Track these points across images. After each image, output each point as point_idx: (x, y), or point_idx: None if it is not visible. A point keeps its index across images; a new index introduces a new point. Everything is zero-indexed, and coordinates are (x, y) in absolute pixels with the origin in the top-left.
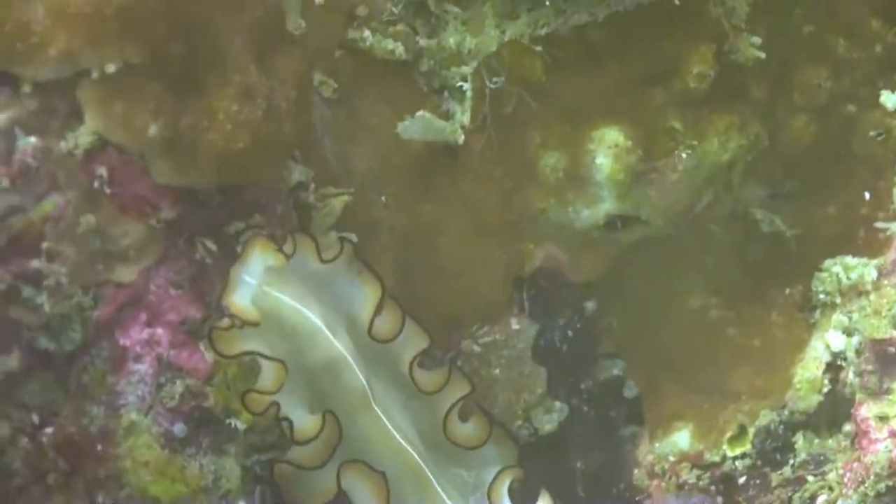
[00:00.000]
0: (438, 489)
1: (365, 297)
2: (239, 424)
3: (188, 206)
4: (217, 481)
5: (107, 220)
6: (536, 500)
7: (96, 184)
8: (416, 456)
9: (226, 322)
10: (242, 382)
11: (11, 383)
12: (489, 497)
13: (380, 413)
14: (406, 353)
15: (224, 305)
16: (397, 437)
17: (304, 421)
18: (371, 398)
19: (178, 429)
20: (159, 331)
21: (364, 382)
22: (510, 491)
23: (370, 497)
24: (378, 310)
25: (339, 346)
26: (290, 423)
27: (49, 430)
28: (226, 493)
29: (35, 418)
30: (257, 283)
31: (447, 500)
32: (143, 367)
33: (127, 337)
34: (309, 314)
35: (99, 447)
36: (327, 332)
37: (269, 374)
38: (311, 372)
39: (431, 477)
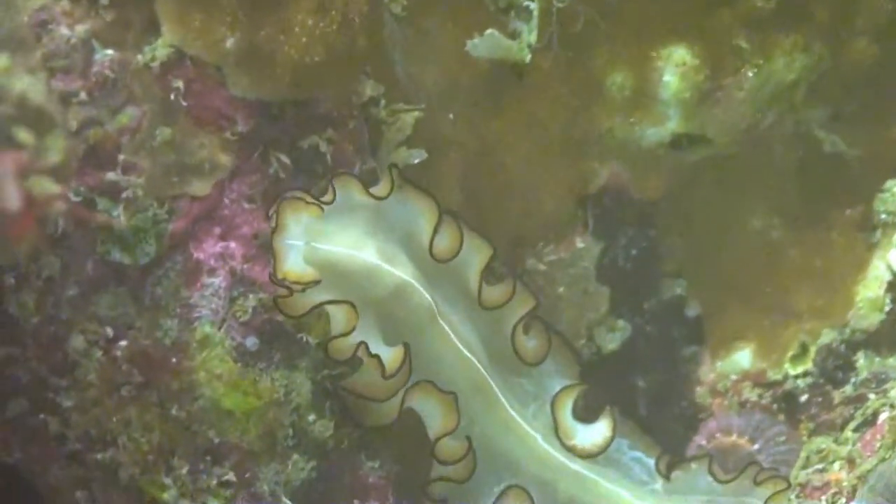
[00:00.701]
0: (502, 398)
1: (421, 219)
2: (310, 339)
3: (262, 119)
4: (288, 395)
5: (182, 132)
6: (599, 416)
7: (172, 96)
8: (480, 367)
9: (286, 291)
10: None
11: (84, 297)
12: (553, 412)
13: (445, 327)
14: (470, 268)
15: (280, 278)
16: (462, 349)
17: (384, 355)
18: (437, 314)
19: (251, 342)
20: (233, 244)
21: (430, 299)
22: (573, 407)
23: (439, 415)
24: (436, 229)
25: (399, 273)
26: (379, 358)
27: (123, 343)
28: (296, 406)
29: (109, 331)
30: (303, 243)
31: (510, 409)
32: (217, 281)
33: (201, 250)
34: (362, 256)
35: (172, 360)
36: (385, 265)
37: (340, 319)
38: (379, 304)
39: (495, 387)
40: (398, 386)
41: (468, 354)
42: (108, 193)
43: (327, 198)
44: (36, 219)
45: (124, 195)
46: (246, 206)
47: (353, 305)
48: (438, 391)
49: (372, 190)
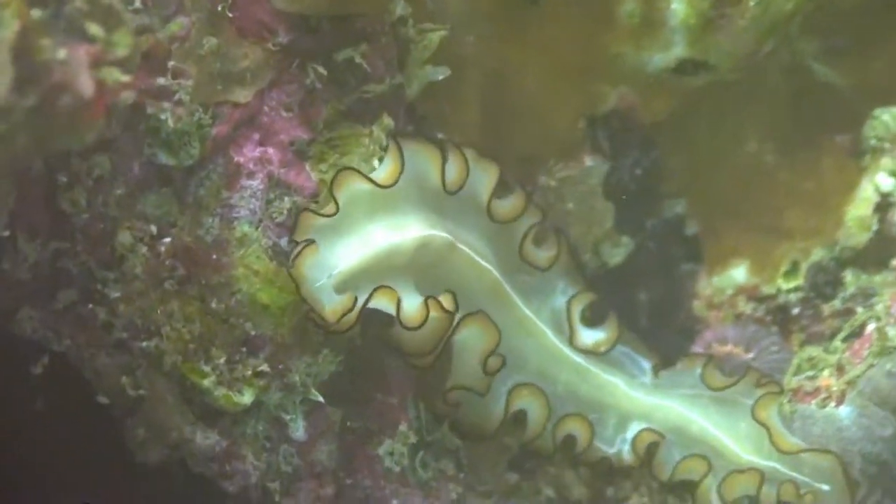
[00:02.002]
0: (516, 299)
1: (428, 165)
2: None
3: (301, 32)
4: None
5: (227, 42)
6: (604, 322)
7: (219, 7)
8: (495, 272)
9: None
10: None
11: (131, 196)
12: (567, 311)
13: (464, 248)
14: (482, 189)
15: (330, 323)
16: (479, 260)
17: (415, 305)
18: (454, 243)
19: (286, 242)
20: (270, 150)
21: (446, 237)
22: (582, 313)
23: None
24: (443, 170)
25: (412, 236)
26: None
27: (167, 239)
28: None
29: (154, 229)
30: (327, 278)
31: (523, 308)
32: (255, 184)
33: (241, 154)
34: (374, 249)
35: (213, 256)
36: (397, 239)
37: (385, 302)
38: (407, 266)
39: (509, 290)
40: (448, 328)
41: (485, 264)
42: (157, 98)
43: (329, 209)
44: (106, 106)
45: (172, 99)
46: (284, 114)
47: (388, 288)
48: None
49: (378, 177)
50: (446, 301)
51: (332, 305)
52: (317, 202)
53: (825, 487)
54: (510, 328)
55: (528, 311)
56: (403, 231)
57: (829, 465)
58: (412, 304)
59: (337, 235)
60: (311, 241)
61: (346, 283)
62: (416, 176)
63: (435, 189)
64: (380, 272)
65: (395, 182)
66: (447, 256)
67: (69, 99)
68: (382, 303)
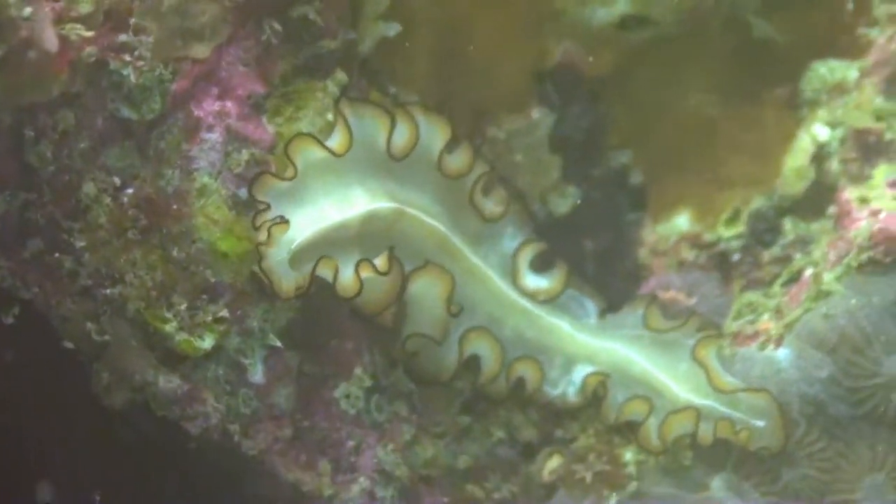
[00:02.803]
0: (464, 250)
1: (378, 130)
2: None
3: None
4: None
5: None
6: (552, 268)
7: None
8: (442, 228)
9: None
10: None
11: (95, 149)
12: (514, 259)
13: (411, 211)
14: (434, 147)
15: (286, 297)
16: (426, 219)
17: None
18: (402, 210)
19: (244, 193)
20: (229, 104)
21: (392, 206)
22: (531, 261)
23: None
24: (390, 135)
25: (357, 212)
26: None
27: (129, 190)
28: None
29: (117, 180)
30: (286, 253)
31: (471, 257)
32: (214, 136)
33: (200, 108)
34: (323, 225)
35: (174, 206)
36: (346, 215)
37: (327, 272)
38: (357, 237)
39: (457, 242)
40: (398, 284)
41: (432, 222)
42: (119, 54)
43: (289, 174)
44: (70, 61)
45: (134, 55)
46: (241, 69)
47: (329, 259)
48: (427, 270)
49: (330, 144)
50: (380, 262)
51: (287, 282)
52: (274, 154)
53: (760, 424)
54: (459, 278)
55: (476, 260)
56: (352, 204)
57: (764, 403)
58: (348, 274)
59: (293, 204)
60: (283, 219)
61: (299, 256)
62: (365, 142)
63: (384, 154)
64: (329, 244)
65: (347, 151)
66: (396, 222)
67: (34, 54)
68: (324, 272)
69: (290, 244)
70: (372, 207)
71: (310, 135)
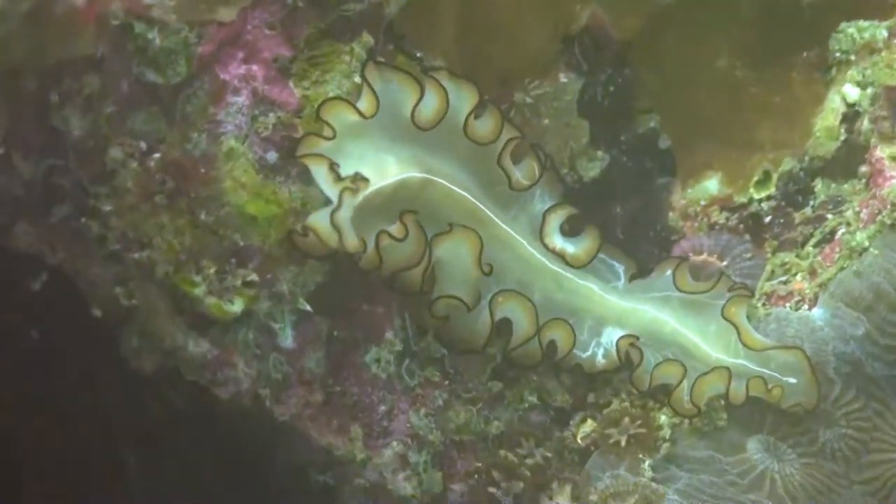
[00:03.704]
0: (492, 216)
1: (406, 97)
2: None
3: None
4: (304, 206)
5: None
6: (583, 232)
7: None
8: (469, 196)
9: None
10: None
11: (121, 114)
12: (542, 229)
13: (438, 181)
14: (461, 113)
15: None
16: (454, 188)
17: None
18: (430, 179)
19: (271, 156)
20: (255, 67)
21: (420, 176)
22: (561, 226)
23: (467, 250)
24: (418, 103)
25: (389, 182)
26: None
27: (156, 155)
28: None
29: (143, 145)
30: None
31: (500, 223)
32: (241, 100)
33: (226, 72)
34: (371, 191)
35: (201, 170)
36: (387, 183)
37: (351, 242)
38: (386, 205)
39: (485, 209)
40: (420, 247)
41: (459, 192)
42: (145, 17)
43: (327, 133)
44: (96, 14)
45: (159, 17)
46: (267, 32)
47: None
48: (452, 233)
49: (360, 105)
50: (395, 229)
51: (353, 237)
52: (300, 118)
53: (792, 380)
54: (487, 244)
55: (504, 226)
56: (385, 172)
57: (796, 360)
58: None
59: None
60: (362, 176)
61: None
62: (393, 108)
63: (408, 121)
64: (366, 211)
65: (375, 113)
66: (422, 190)
67: (62, 7)
68: (350, 242)
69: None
70: (404, 176)
71: (341, 97)
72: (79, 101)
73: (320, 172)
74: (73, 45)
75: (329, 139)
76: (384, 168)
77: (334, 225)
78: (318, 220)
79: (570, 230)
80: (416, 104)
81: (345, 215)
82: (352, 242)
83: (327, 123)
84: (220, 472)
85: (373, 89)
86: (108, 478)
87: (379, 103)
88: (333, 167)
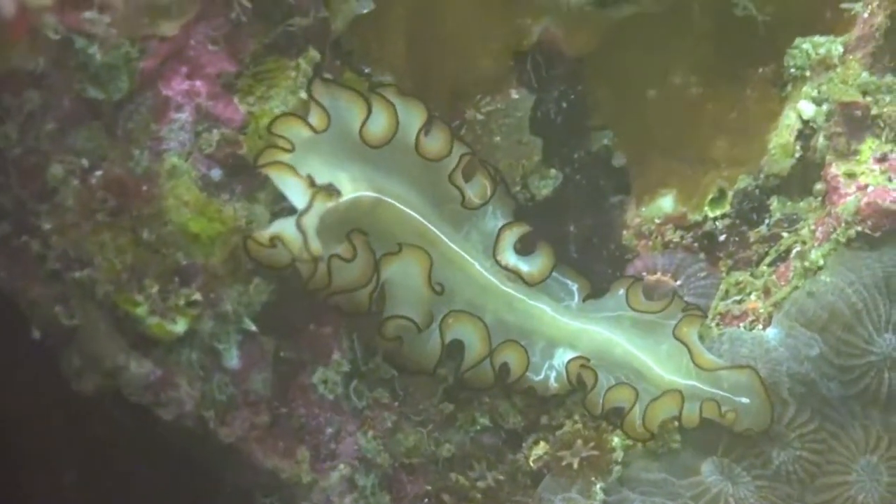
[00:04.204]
0: (443, 237)
1: (355, 115)
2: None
3: None
4: (249, 224)
5: None
6: (536, 250)
7: None
8: (419, 217)
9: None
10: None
11: (62, 130)
12: (495, 246)
13: (389, 200)
14: (411, 131)
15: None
16: (403, 209)
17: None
18: (380, 199)
19: (215, 173)
20: (198, 83)
21: (372, 195)
22: (514, 244)
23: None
24: (366, 121)
25: (345, 200)
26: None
27: (98, 172)
28: None
29: (85, 162)
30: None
31: (451, 244)
32: (184, 116)
33: (169, 88)
34: (338, 204)
35: (144, 188)
36: (338, 205)
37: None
38: (338, 224)
39: (435, 230)
40: (369, 267)
41: (409, 211)
42: (85, 32)
43: (284, 145)
44: (28, 27)
45: (99, 33)
46: (210, 47)
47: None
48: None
49: (310, 121)
50: (343, 249)
51: (316, 244)
52: (244, 134)
53: (745, 400)
54: (438, 265)
55: (455, 247)
56: (339, 183)
57: (748, 380)
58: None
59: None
60: (334, 188)
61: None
62: (341, 126)
63: (356, 138)
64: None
65: (326, 128)
66: (374, 210)
67: None
68: (301, 267)
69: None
70: (356, 195)
71: (292, 113)
72: (19, 118)
73: (287, 180)
74: (5, 58)
75: (288, 151)
76: (337, 185)
77: (300, 228)
78: (282, 227)
79: (523, 248)
80: (364, 122)
81: (311, 221)
82: (315, 248)
83: (283, 137)
84: (163, 494)
85: (321, 104)
86: (48, 499)
87: (329, 118)
88: (304, 175)
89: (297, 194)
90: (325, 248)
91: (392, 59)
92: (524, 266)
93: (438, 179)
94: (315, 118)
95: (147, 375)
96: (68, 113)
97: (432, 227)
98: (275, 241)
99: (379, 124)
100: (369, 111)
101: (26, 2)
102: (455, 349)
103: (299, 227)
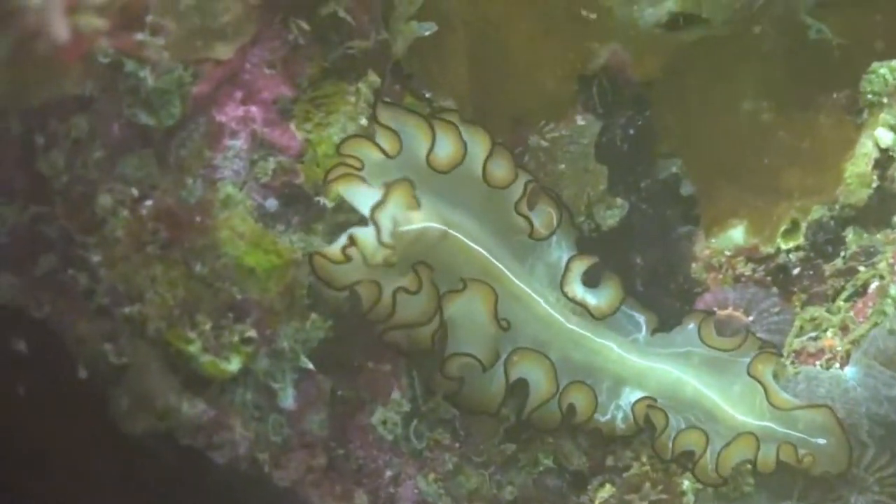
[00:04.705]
0: (508, 273)
1: (420, 142)
2: (327, 203)
3: None
4: (306, 256)
5: None
6: (603, 282)
7: None
8: (485, 253)
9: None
10: (332, 160)
11: (111, 158)
12: (563, 277)
13: (456, 234)
14: (476, 159)
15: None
16: (470, 244)
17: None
18: (447, 232)
19: (271, 204)
20: (253, 108)
21: (439, 228)
22: (582, 275)
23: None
24: (431, 147)
25: (414, 228)
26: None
27: (149, 202)
28: None
29: (134, 191)
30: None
31: (516, 281)
32: (239, 143)
33: (223, 113)
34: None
35: (197, 218)
36: (407, 232)
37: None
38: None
39: (501, 266)
40: (433, 303)
41: (475, 247)
42: (136, 55)
43: (356, 165)
44: (82, 52)
45: (151, 56)
46: (267, 71)
47: (371, 282)
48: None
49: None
50: (408, 281)
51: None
52: (302, 162)
53: (821, 441)
54: (502, 301)
55: (520, 283)
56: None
57: (824, 420)
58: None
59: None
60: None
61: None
62: (407, 152)
63: (425, 166)
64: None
65: (399, 152)
66: (441, 243)
67: (44, 45)
68: (364, 294)
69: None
70: (426, 225)
71: (362, 135)
72: (66, 145)
73: (359, 189)
74: (59, 85)
75: (359, 169)
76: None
77: (374, 219)
78: (353, 231)
79: (589, 281)
80: (431, 148)
81: (387, 213)
82: (389, 242)
83: (352, 156)
84: None
85: (390, 128)
86: None
87: (400, 142)
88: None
89: (369, 204)
90: (387, 275)
91: (454, 84)
92: (592, 299)
93: (503, 209)
94: (385, 142)
95: (199, 416)
96: (118, 140)
97: (497, 263)
98: (348, 254)
99: (446, 150)
100: (434, 137)
101: (80, 25)
102: (518, 388)
103: (373, 218)
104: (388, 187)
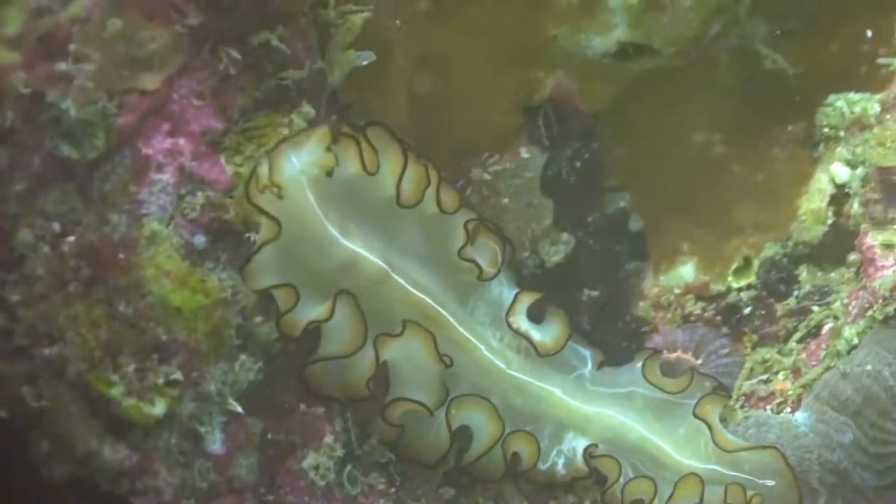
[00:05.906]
0: (451, 320)
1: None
2: (258, 239)
3: (213, 13)
4: (235, 295)
5: (133, 24)
6: (548, 318)
7: None
8: (429, 300)
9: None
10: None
11: (32, 192)
12: (510, 310)
13: (397, 279)
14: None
15: (263, 168)
16: (413, 291)
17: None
18: (388, 273)
19: (199, 240)
20: (181, 141)
21: (379, 264)
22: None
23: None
24: (400, 180)
25: (349, 246)
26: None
27: (71, 238)
28: (243, 307)
29: (56, 227)
30: (300, 168)
31: (459, 328)
32: (165, 177)
33: (149, 146)
34: (326, 222)
35: (121, 255)
36: (341, 239)
37: (282, 298)
38: (327, 275)
39: (444, 312)
40: (359, 335)
41: (416, 292)
42: (58, 85)
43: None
44: None
45: (74, 85)
46: (195, 102)
47: (293, 287)
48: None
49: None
50: (323, 311)
51: (278, 172)
52: (232, 197)
53: (769, 483)
54: (443, 349)
55: (461, 329)
56: (346, 235)
57: (771, 461)
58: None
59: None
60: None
61: (293, 202)
62: (349, 178)
63: (371, 197)
64: (303, 252)
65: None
66: (378, 284)
67: None
68: (279, 297)
69: (311, 169)
70: (360, 251)
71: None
72: None
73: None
74: None
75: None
76: (346, 234)
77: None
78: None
79: (533, 317)
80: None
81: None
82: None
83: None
84: None
85: (368, 147)
86: None
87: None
88: None
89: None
90: (308, 307)
91: (393, 114)
92: (537, 334)
93: (447, 249)
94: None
95: (122, 462)
96: (39, 173)
97: (439, 308)
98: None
99: (410, 183)
100: (378, 167)
101: None
102: (458, 433)
103: (273, 153)
104: (306, 131)
